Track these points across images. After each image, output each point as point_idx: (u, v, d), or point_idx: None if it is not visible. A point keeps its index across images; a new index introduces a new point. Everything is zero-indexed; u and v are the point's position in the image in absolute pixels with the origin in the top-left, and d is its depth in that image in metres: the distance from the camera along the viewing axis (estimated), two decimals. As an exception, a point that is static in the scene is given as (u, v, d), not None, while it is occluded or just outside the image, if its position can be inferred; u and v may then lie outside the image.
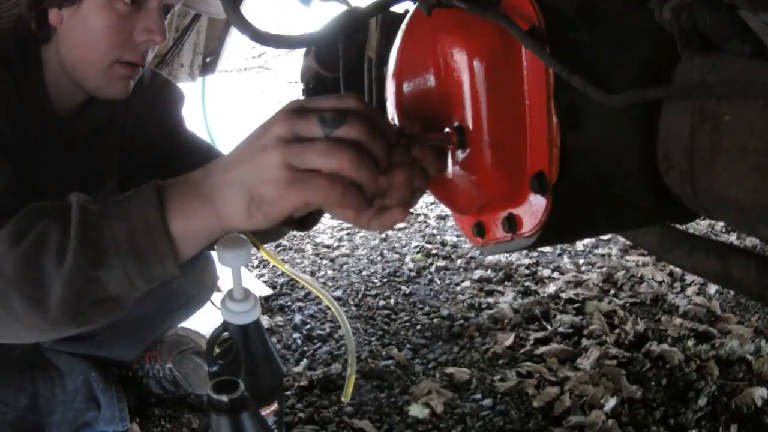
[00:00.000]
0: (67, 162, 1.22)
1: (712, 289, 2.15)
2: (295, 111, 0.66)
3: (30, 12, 1.11)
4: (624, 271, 2.30)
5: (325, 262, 2.52)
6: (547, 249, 2.52)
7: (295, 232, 2.64)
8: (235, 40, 2.55)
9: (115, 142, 1.30)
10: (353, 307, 2.10)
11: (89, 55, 1.11)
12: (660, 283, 2.22)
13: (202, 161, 0.76)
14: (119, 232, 0.71)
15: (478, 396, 1.62)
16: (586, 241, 2.57)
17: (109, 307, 0.76)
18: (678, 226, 0.98)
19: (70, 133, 1.22)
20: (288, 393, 1.63)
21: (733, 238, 2.54)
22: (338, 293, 2.20)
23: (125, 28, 1.09)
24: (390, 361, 1.76)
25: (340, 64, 1.45)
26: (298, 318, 2.01)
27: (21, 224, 0.76)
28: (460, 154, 0.79)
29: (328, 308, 2.08)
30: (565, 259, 2.45)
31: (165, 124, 1.34)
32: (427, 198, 3.08)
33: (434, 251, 2.55)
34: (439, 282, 2.29)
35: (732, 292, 2.11)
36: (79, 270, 0.71)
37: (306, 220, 0.98)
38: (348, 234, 2.79)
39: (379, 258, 2.51)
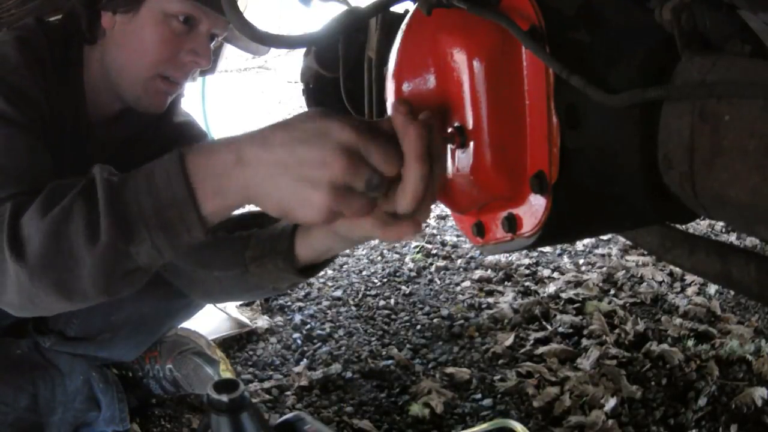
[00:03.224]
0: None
1: (712, 289, 2.15)
2: (350, 156, 0.67)
3: (83, 9, 1.12)
4: (624, 271, 2.30)
5: (325, 261, 2.51)
6: (547, 249, 2.51)
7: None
8: (235, 40, 2.55)
9: (140, 159, 1.31)
10: (353, 307, 2.10)
11: (135, 63, 1.14)
12: (660, 283, 2.21)
13: None
14: (146, 208, 0.74)
15: (478, 396, 1.61)
16: (586, 241, 2.56)
17: (138, 277, 0.79)
18: (678, 226, 0.98)
19: (99, 141, 1.23)
20: (288, 393, 1.63)
21: (733, 238, 2.53)
22: (338, 293, 2.19)
23: (175, 45, 1.14)
24: (390, 361, 1.76)
25: (340, 64, 1.45)
26: (298, 318, 2.01)
27: (47, 201, 0.78)
28: (460, 154, 0.80)
29: (328, 308, 2.09)
30: (565, 259, 2.45)
31: None
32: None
33: (434, 251, 2.54)
34: (439, 282, 2.29)
35: (732, 292, 2.10)
36: (112, 248, 0.74)
37: (311, 269, 0.98)
38: (348, 234, 2.78)
39: (379, 258, 2.51)
